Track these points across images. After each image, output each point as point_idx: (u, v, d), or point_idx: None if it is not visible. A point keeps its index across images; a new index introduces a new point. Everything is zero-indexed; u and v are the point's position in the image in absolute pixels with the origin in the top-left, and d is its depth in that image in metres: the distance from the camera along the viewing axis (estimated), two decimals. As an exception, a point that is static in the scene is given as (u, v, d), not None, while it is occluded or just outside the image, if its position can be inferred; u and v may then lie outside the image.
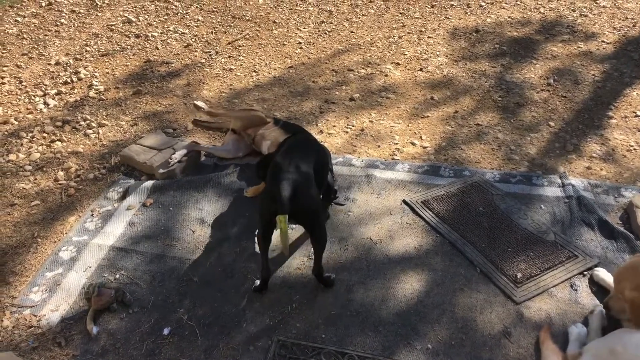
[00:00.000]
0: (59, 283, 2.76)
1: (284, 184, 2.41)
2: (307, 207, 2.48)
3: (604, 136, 3.81)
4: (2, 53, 5.31)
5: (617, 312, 2.32)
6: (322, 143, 3.38)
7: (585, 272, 2.69)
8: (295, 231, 3.01)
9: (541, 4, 6.04)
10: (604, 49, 5.04)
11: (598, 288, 2.61)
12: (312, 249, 2.67)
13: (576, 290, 2.61)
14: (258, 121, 3.61)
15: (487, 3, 6.15)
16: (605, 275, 2.62)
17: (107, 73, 4.96)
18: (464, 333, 2.43)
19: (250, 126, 3.61)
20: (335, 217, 3.13)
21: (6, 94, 4.61)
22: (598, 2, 5.99)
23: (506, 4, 6.12)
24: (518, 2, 6.13)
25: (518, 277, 2.66)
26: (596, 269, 2.69)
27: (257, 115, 3.65)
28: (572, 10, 5.85)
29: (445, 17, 5.87)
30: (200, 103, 4.14)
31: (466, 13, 5.96)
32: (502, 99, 4.32)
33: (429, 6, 6.16)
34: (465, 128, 3.98)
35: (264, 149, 3.42)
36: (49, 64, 5.11)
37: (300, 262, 2.83)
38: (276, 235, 2.50)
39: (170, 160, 3.52)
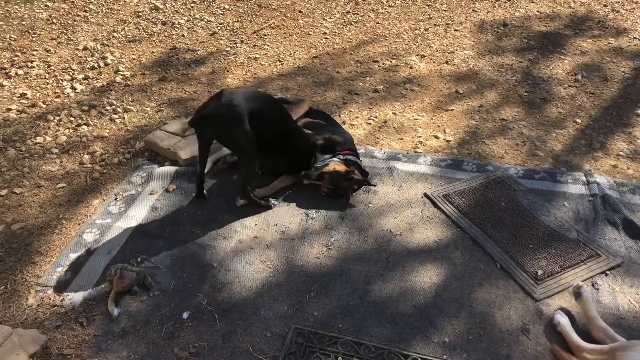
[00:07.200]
0: (82, 264, 2.82)
1: (210, 106, 2.87)
2: (225, 129, 2.89)
3: (632, 134, 3.74)
4: (32, 37, 5.40)
5: None
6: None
7: (608, 272, 2.66)
8: (314, 221, 3.03)
9: (572, -2, 5.93)
10: (635, 45, 4.93)
11: (620, 288, 2.57)
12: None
13: (598, 289, 2.57)
14: None
15: (516, -4, 6.06)
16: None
17: (134, 59, 5.01)
18: (482, 328, 2.42)
19: None
20: (355, 208, 3.13)
21: (35, 77, 4.69)
22: (631, -3, 5.87)
23: (536, -3, 6.03)
24: (548, -4, 6.03)
25: (538, 274, 2.64)
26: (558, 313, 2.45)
27: None
28: (603, 5, 5.73)
29: (473, 10, 5.80)
30: None
31: (494, 6, 5.88)
32: (528, 94, 4.26)
33: (457, -2, 6.10)
34: (489, 122, 3.93)
35: None
36: (77, 49, 5.18)
37: (319, 251, 2.84)
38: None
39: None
